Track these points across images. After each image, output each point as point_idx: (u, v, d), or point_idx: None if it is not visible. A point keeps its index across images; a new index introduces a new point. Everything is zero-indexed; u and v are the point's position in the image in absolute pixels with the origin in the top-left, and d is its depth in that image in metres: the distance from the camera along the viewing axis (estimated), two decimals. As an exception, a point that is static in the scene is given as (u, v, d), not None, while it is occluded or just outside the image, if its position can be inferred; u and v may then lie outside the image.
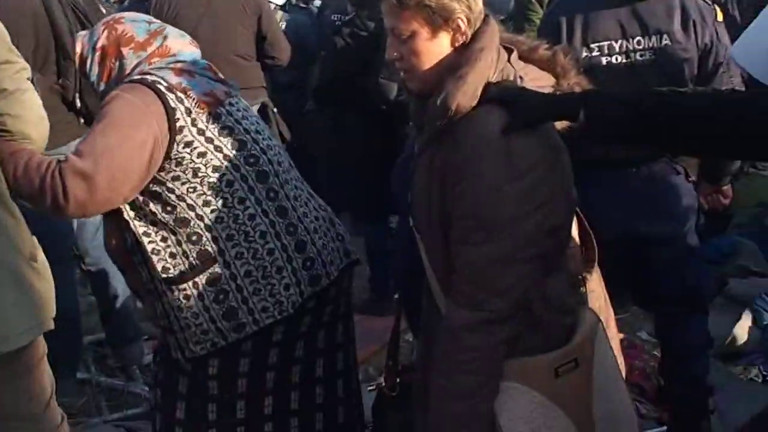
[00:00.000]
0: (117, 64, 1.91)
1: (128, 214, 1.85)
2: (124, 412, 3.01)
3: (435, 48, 1.53)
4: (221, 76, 2.02)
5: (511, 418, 1.54)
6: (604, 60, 2.47)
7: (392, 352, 1.98)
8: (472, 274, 1.50)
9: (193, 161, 1.83)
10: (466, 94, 1.48)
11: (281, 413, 1.97)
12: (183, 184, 1.83)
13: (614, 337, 1.89)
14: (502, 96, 1.50)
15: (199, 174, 1.83)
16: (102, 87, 1.93)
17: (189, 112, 1.83)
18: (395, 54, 1.55)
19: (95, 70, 1.93)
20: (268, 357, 1.93)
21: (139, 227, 1.86)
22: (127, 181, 1.77)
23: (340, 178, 4.02)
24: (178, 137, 1.80)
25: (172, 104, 1.81)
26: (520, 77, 1.59)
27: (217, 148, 1.86)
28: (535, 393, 1.54)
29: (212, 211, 1.85)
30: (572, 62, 1.73)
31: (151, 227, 1.86)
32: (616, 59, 2.46)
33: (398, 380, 1.95)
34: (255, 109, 4.10)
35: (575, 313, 1.64)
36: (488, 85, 1.50)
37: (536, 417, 1.55)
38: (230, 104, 1.94)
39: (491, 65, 1.52)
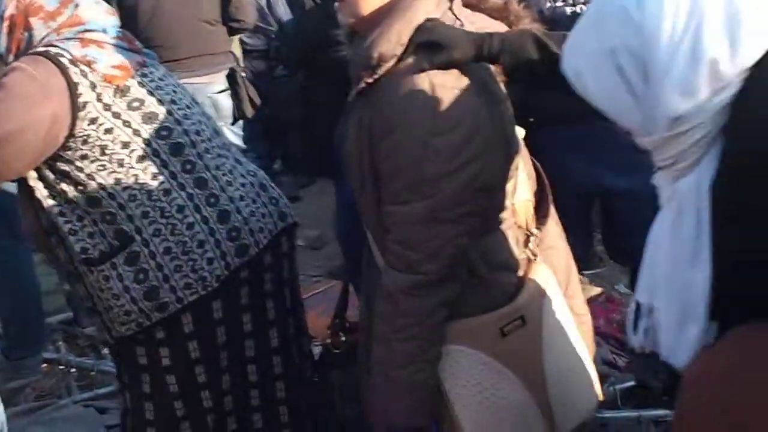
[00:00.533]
0: (26, 35, 1.81)
1: (41, 193, 1.79)
2: (95, 392, 2.99)
3: None
4: (137, 44, 1.92)
5: (457, 381, 1.50)
6: (568, 10, 2.39)
7: (339, 311, 1.94)
8: (402, 234, 1.45)
9: (100, 138, 1.74)
10: (390, 41, 1.41)
11: (240, 387, 1.94)
12: (92, 162, 1.76)
13: (576, 294, 1.81)
14: (425, 38, 1.42)
15: (107, 151, 1.75)
16: (11, 59, 1.83)
17: (93, 86, 1.74)
18: None
19: (3, 41, 1.82)
20: (216, 336, 1.87)
21: (53, 207, 1.79)
22: (20, 156, 1.70)
23: (314, 143, 3.94)
24: (81, 113, 1.72)
25: (75, 79, 1.72)
26: (461, 24, 1.51)
27: (126, 123, 1.77)
28: (481, 354, 1.50)
29: (124, 189, 1.77)
30: (526, 10, 1.65)
31: (66, 206, 1.80)
32: (581, 9, 2.38)
33: (344, 339, 1.91)
34: (223, 75, 4.05)
35: (522, 270, 1.57)
36: (418, 30, 1.43)
37: (483, 378, 1.50)
38: (143, 75, 1.85)
39: (425, 16, 1.44)
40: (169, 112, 1.84)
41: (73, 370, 3.13)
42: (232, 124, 4.10)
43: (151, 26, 3.88)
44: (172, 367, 1.86)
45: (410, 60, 1.42)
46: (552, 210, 1.70)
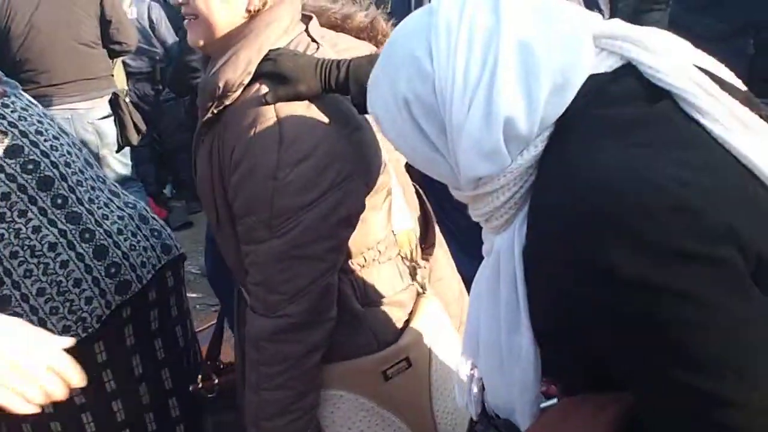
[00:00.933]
0: None
1: None
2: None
3: (226, 5, 1.33)
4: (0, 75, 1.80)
5: (339, 429, 1.41)
6: None
7: (210, 352, 1.80)
8: (261, 275, 1.33)
9: None
10: (237, 71, 1.31)
11: None
12: None
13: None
14: (269, 70, 1.32)
15: None
16: None
17: None
18: None
19: None
20: (102, 382, 1.75)
21: None
22: None
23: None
24: None
25: None
26: (317, 47, 1.40)
27: None
28: (362, 399, 1.40)
29: None
30: (394, 27, 1.58)
31: None
32: None
33: (216, 381, 1.76)
34: (105, 100, 3.89)
35: (409, 305, 1.46)
36: (263, 60, 1.33)
37: (366, 426, 1.41)
38: (3, 105, 1.72)
39: (275, 42, 1.34)
40: (35, 144, 1.72)
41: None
42: (117, 151, 3.94)
43: (25, 50, 3.72)
44: (55, 414, 1.73)
45: (255, 88, 1.32)
46: (440, 238, 1.60)
